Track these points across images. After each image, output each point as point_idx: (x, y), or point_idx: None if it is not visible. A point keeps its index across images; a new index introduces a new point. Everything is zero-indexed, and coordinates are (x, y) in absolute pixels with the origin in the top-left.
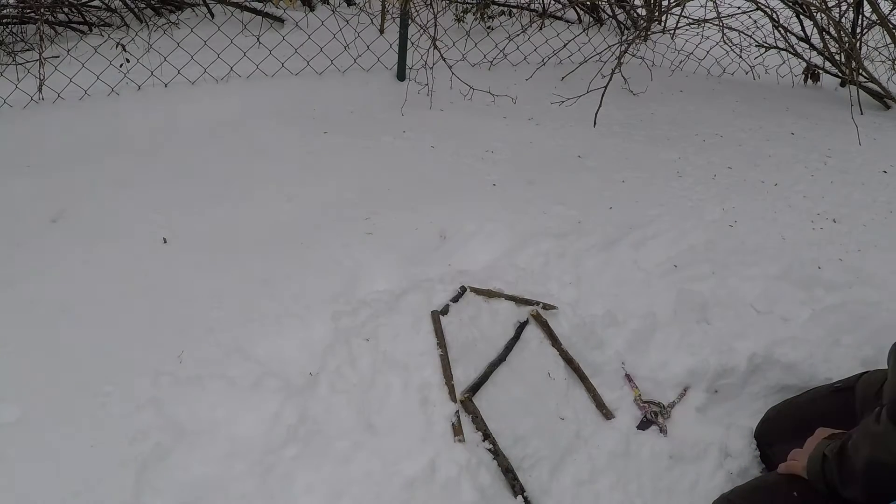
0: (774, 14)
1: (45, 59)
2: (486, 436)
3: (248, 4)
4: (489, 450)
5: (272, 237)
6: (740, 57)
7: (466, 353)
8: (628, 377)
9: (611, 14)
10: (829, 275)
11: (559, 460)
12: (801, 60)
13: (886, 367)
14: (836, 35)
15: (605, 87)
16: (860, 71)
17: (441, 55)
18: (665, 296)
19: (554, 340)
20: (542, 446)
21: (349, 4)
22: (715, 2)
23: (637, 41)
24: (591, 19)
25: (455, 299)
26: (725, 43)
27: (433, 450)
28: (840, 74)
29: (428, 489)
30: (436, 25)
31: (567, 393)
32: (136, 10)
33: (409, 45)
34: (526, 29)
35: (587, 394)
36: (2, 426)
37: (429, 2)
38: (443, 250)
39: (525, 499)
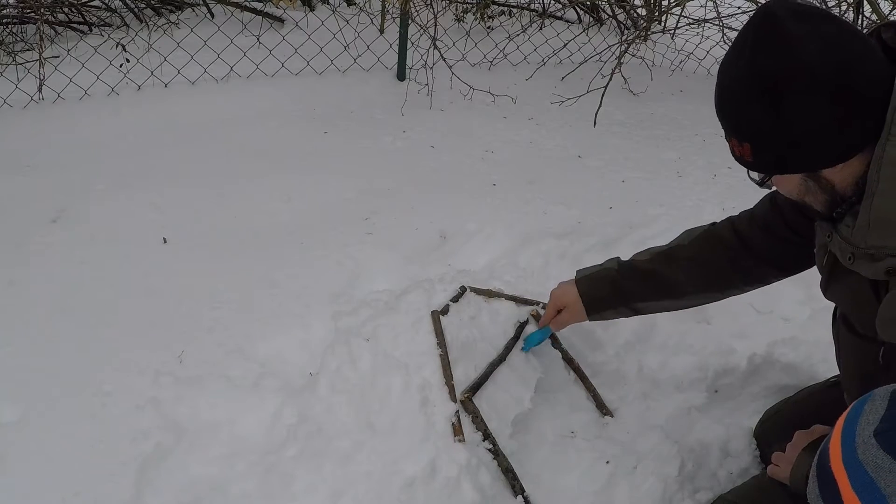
0: None
1: (45, 59)
2: (486, 436)
3: (248, 4)
4: (489, 450)
5: (272, 237)
6: None
7: (466, 353)
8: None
9: (611, 14)
10: None
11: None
12: None
13: None
14: None
15: (605, 87)
16: None
17: (441, 55)
18: None
19: (554, 340)
20: None
21: (349, 4)
22: (715, 2)
23: (637, 41)
24: (591, 19)
25: (455, 299)
26: (725, 43)
27: (433, 450)
28: None
29: (428, 489)
30: (436, 25)
31: (567, 393)
32: (136, 10)
33: (409, 45)
34: (526, 29)
35: (587, 393)
36: (2, 426)
37: (429, 2)
38: (443, 250)
39: (525, 499)
